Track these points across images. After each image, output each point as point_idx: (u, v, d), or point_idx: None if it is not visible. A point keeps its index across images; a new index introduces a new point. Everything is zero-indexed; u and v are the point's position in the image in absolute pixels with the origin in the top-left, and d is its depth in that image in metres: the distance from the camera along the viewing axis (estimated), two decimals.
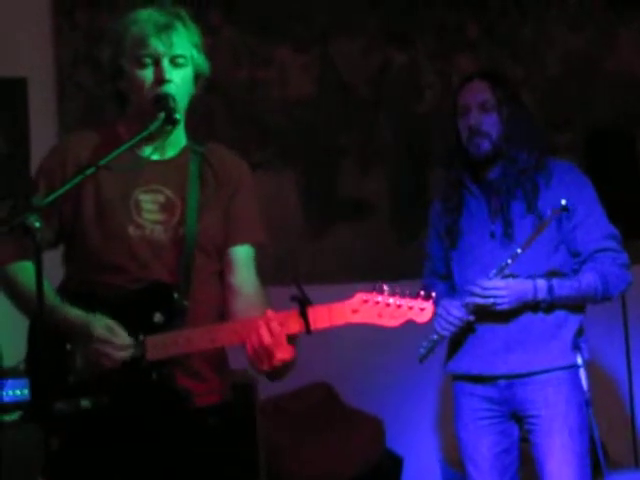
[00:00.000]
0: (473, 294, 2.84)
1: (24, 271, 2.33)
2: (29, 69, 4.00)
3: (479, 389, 2.93)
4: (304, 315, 2.12)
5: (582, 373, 2.85)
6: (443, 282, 3.08)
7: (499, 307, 2.82)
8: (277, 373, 2.22)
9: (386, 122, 4.46)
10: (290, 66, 4.35)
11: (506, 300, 2.81)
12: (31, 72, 4.00)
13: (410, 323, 2.13)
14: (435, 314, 2.85)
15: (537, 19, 4.62)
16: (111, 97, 2.42)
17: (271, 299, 2.35)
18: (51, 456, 2.09)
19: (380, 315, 2.11)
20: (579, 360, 2.86)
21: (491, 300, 2.81)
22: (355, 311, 2.11)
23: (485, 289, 2.81)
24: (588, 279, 2.85)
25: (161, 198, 2.34)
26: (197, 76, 2.38)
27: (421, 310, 2.11)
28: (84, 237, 2.33)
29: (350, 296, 2.14)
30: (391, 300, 2.10)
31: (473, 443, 2.95)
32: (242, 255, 2.40)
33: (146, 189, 2.34)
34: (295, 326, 2.14)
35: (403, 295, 2.11)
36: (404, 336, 4.09)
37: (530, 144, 2.91)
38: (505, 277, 2.82)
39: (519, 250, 2.80)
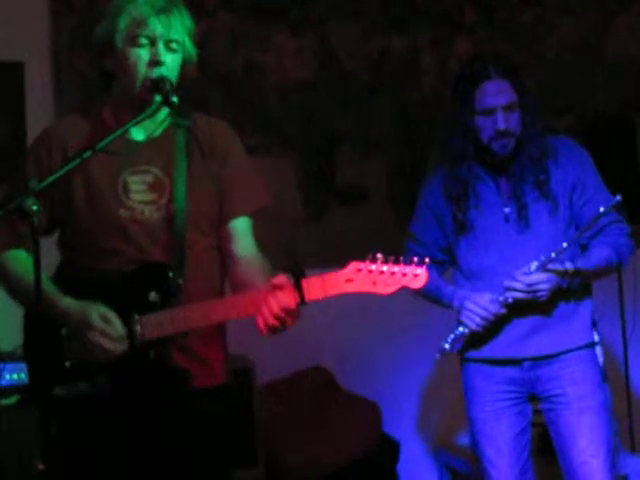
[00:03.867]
0: (513, 289, 2.81)
1: (17, 260, 2.34)
2: (26, 53, 3.99)
3: (498, 370, 2.92)
4: (298, 286, 2.11)
5: (598, 350, 2.90)
6: (435, 267, 3.00)
7: (541, 298, 2.82)
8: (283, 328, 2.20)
9: (385, 107, 4.45)
10: (288, 50, 4.33)
11: (546, 290, 2.80)
12: (28, 56, 3.99)
13: (405, 289, 2.11)
14: (464, 310, 2.86)
15: (536, 4, 4.61)
16: (98, 76, 2.40)
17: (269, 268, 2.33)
18: (50, 441, 2.10)
19: (374, 283, 2.09)
20: (596, 337, 2.91)
21: (532, 295, 2.80)
22: (349, 280, 2.10)
23: (529, 285, 2.79)
24: (604, 253, 2.87)
25: (149, 178, 2.33)
26: (184, 62, 2.36)
27: (415, 276, 2.09)
28: (76, 222, 2.33)
29: (343, 266, 2.12)
30: (385, 268, 2.09)
31: (491, 425, 2.93)
32: (240, 226, 2.40)
33: (134, 170, 2.33)
34: (290, 298, 2.12)
35: (397, 262, 2.10)
36: (401, 320, 4.12)
37: (539, 137, 2.90)
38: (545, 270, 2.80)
39: (565, 244, 2.79)
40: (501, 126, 2.83)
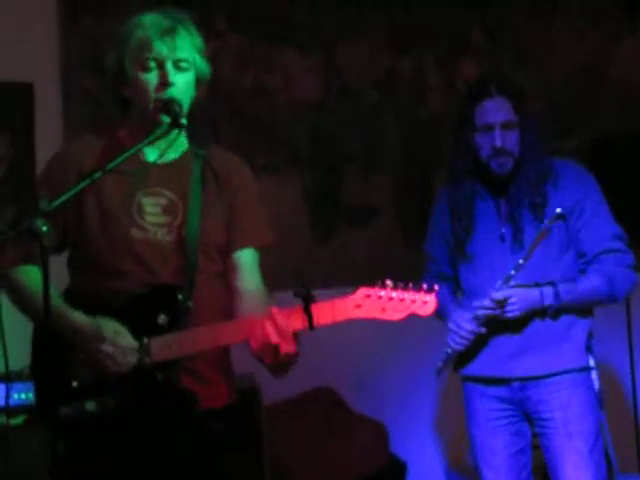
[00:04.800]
0: (482, 307, 2.84)
1: (29, 275, 2.34)
2: (35, 74, 4.00)
3: (491, 390, 2.94)
4: (307, 311, 2.11)
5: (594, 375, 2.87)
6: (447, 283, 3.07)
7: (509, 315, 2.83)
8: (281, 368, 2.22)
9: (391, 126, 4.46)
10: (296, 71, 4.35)
11: (516, 307, 2.82)
12: (37, 77, 4.01)
13: (413, 316, 2.12)
14: (448, 329, 2.89)
15: (542, 25, 4.62)
16: (115, 103, 2.42)
17: (276, 303, 2.34)
18: (57, 460, 2.09)
19: (383, 309, 2.09)
20: (591, 362, 2.89)
21: (499, 311, 2.82)
22: (358, 306, 2.10)
23: (493, 300, 2.81)
24: (593, 282, 2.85)
25: (163, 201, 2.35)
26: (199, 80, 2.39)
27: (424, 303, 2.09)
28: (89, 242, 2.34)
29: (353, 292, 2.12)
30: (394, 294, 2.09)
31: (487, 444, 2.95)
32: (246, 259, 2.41)
33: (148, 192, 2.35)
34: (298, 322, 2.13)
35: (406, 288, 2.10)
36: (408, 341, 4.11)
37: (540, 159, 2.90)
38: (511, 287, 2.82)
39: (521, 261, 2.81)
40: (497, 143, 2.84)
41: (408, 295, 2.09)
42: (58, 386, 2.28)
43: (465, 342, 2.89)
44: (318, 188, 4.38)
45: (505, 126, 2.86)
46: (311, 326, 2.11)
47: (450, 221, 3.00)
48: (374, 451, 3.97)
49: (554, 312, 2.85)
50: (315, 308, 2.12)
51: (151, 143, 2.30)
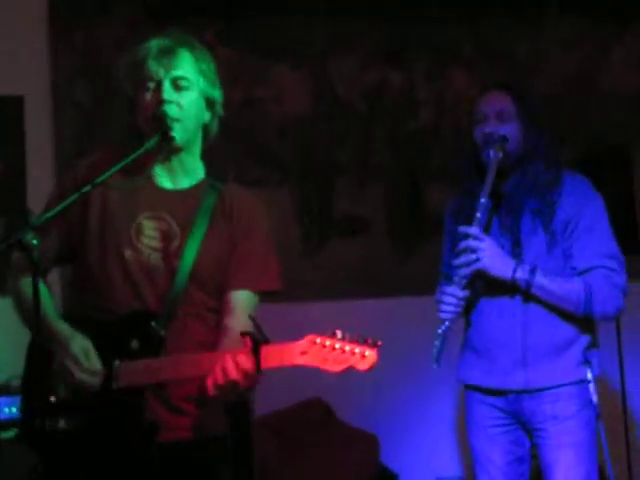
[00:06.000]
0: (456, 258, 2.82)
1: (30, 287, 2.34)
2: (25, 87, 4.01)
3: (489, 399, 2.93)
4: (256, 353, 2.07)
5: (592, 388, 2.83)
6: None
7: (479, 265, 2.78)
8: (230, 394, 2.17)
9: (382, 139, 4.47)
10: (286, 84, 4.37)
11: (487, 255, 2.78)
12: (27, 90, 4.02)
13: (351, 370, 2.03)
14: (436, 302, 2.86)
15: (532, 37, 4.65)
16: (131, 132, 2.41)
17: (266, 315, 2.34)
18: (36, 474, 2.10)
19: (325, 359, 2.03)
20: (589, 375, 2.84)
21: (473, 256, 2.78)
22: (304, 352, 2.05)
23: (468, 233, 2.79)
24: (573, 284, 2.80)
25: (164, 226, 2.35)
26: (209, 103, 2.39)
27: (362, 357, 2.01)
28: (85, 254, 2.35)
29: (300, 337, 2.07)
30: (337, 345, 2.02)
31: (485, 451, 2.94)
32: (242, 300, 2.37)
33: (151, 215, 2.35)
34: (247, 363, 2.09)
35: (352, 340, 2.03)
36: (399, 352, 4.11)
37: (547, 159, 2.86)
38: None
39: (482, 200, 2.78)
40: (486, 129, 2.83)
41: (350, 347, 2.02)
42: (39, 400, 2.29)
43: (452, 308, 2.84)
44: (309, 200, 4.39)
45: (499, 116, 2.84)
46: (258, 369, 2.08)
47: (454, 223, 2.97)
48: (365, 462, 3.97)
49: (523, 295, 2.81)
50: (264, 350, 2.08)
51: (163, 167, 2.33)
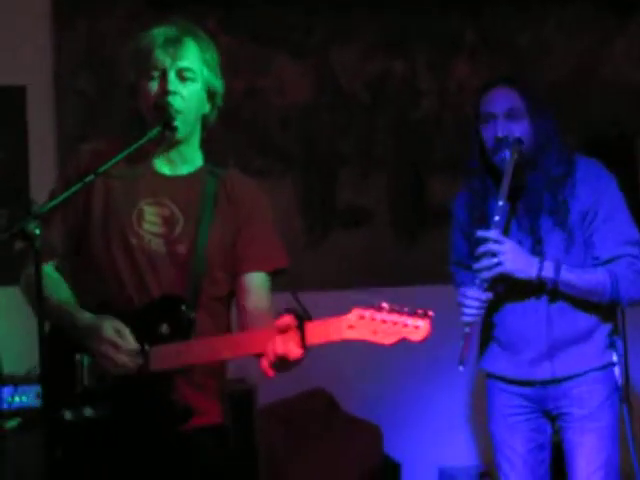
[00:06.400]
0: (477, 262, 2.77)
1: (46, 277, 2.33)
2: (28, 77, 4.01)
3: (512, 387, 2.93)
4: (301, 330, 2.08)
5: (617, 371, 2.85)
6: (469, 271, 2.94)
7: (501, 269, 2.74)
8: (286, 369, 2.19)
9: (385, 129, 4.47)
10: (288, 74, 4.36)
11: (509, 258, 2.74)
12: (30, 80, 4.01)
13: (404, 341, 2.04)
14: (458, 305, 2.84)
15: (534, 27, 4.63)
16: (133, 119, 2.40)
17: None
18: (54, 465, 2.10)
19: (375, 332, 2.03)
20: (614, 358, 2.86)
21: (495, 260, 2.74)
22: (351, 327, 2.05)
23: (488, 237, 2.75)
24: (598, 275, 2.79)
25: (165, 212, 2.35)
26: (210, 94, 2.38)
27: (415, 328, 2.01)
28: (89, 245, 2.35)
29: (347, 311, 2.07)
30: (387, 317, 2.03)
31: (506, 439, 2.94)
32: (256, 282, 2.38)
33: (152, 201, 2.35)
34: (294, 343, 2.09)
35: (401, 312, 2.03)
36: (403, 342, 4.10)
37: (559, 150, 2.82)
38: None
39: (500, 203, 2.74)
40: (498, 132, 2.77)
41: (401, 319, 2.02)
42: (63, 390, 2.27)
43: (474, 311, 2.80)
44: (312, 191, 4.38)
45: (509, 114, 2.78)
46: (304, 345, 2.08)
47: (467, 216, 2.94)
48: (368, 452, 3.98)
49: (551, 293, 2.79)
50: (309, 327, 2.09)
51: (161, 153, 2.33)
